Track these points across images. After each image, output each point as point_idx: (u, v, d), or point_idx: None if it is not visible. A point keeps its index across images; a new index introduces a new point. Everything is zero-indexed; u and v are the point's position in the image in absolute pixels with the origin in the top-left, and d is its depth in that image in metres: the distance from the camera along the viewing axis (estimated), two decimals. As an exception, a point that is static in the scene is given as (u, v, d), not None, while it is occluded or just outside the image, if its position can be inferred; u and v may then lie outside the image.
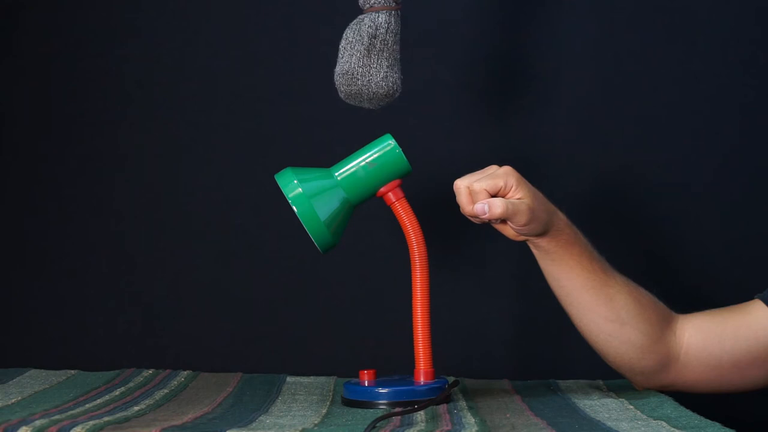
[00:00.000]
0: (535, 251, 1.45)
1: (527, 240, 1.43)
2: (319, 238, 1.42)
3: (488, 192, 1.38)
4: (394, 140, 1.45)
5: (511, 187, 1.38)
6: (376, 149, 1.45)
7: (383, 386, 1.43)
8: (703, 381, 1.46)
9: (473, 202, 1.38)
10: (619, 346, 1.44)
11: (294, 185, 1.42)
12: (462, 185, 1.39)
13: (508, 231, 1.42)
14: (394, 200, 1.45)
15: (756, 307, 1.43)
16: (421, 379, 1.44)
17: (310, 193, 1.42)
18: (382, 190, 1.45)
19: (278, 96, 1.79)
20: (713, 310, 1.47)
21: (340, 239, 1.45)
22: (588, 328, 1.45)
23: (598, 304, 1.43)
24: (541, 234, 1.41)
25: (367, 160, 1.44)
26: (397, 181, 1.45)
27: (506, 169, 1.39)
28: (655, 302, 1.46)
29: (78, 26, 1.82)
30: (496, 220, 1.39)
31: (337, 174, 1.44)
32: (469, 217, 1.40)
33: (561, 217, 1.42)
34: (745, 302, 1.45)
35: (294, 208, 1.41)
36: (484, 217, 1.37)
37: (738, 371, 1.44)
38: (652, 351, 1.44)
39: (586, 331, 1.46)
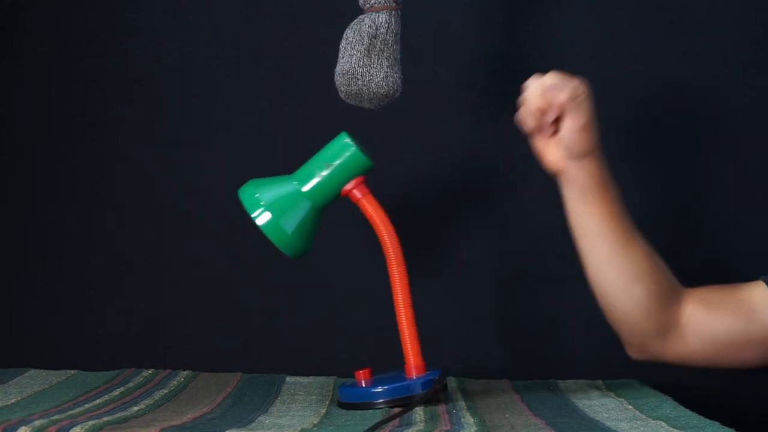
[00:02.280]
0: (567, 189, 1.46)
1: (565, 171, 1.44)
2: (291, 249, 1.43)
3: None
4: (350, 138, 1.45)
5: (581, 93, 1.42)
6: (334, 150, 1.45)
7: (377, 385, 1.43)
8: (695, 355, 1.47)
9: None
10: (627, 302, 1.46)
11: (261, 211, 1.43)
12: (535, 77, 1.43)
13: (551, 154, 1.44)
14: (359, 196, 1.45)
15: (759, 288, 1.45)
16: (413, 374, 1.44)
17: (278, 214, 1.43)
18: (346, 188, 1.45)
19: (278, 96, 1.79)
20: (717, 286, 1.49)
21: (312, 244, 1.45)
22: (602, 278, 1.47)
23: (617, 256, 1.45)
24: (586, 155, 1.43)
25: (328, 164, 1.44)
26: (359, 178, 1.45)
27: (581, 80, 1.43)
28: (668, 270, 1.48)
29: (78, 26, 1.82)
30: (548, 127, 1.43)
31: (301, 185, 1.45)
32: (528, 117, 1.42)
33: (602, 157, 1.45)
34: (748, 282, 1.47)
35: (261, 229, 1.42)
36: (549, 96, 1.40)
37: (731, 350, 1.46)
38: (656, 315, 1.46)
39: (598, 283, 1.47)
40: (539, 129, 1.44)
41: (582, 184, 1.44)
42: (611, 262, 1.45)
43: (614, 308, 1.47)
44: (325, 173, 1.45)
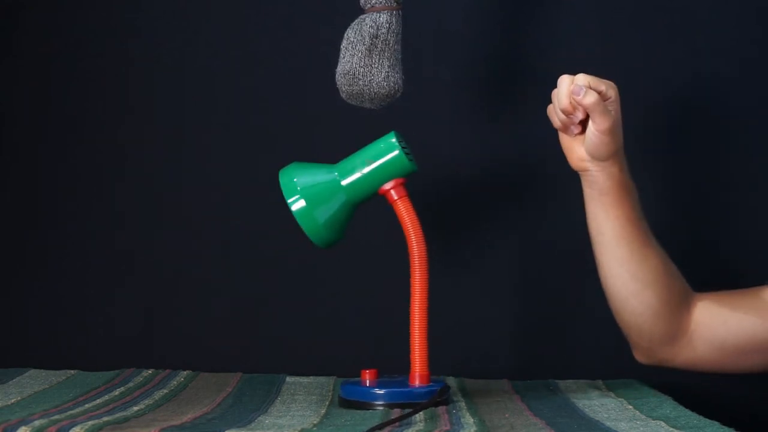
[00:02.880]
0: (587, 189, 1.46)
1: (587, 171, 1.44)
2: (320, 239, 1.43)
3: (590, 86, 1.40)
4: (397, 138, 1.44)
5: (609, 97, 1.41)
6: (378, 148, 1.45)
7: (380, 387, 1.42)
8: (703, 361, 1.48)
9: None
10: (637, 306, 1.46)
11: (296, 197, 1.42)
12: (567, 76, 1.42)
13: (576, 152, 1.45)
14: (396, 198, 1.45)
15: (766, 293, 1.45)
16: (416, 383, 1.43)
17: (312, 203, 1.42)
18: (385, 187, 1.45)
19: (278, 96, 1.79)
20: (725, 291, 1.49)
21: (343, 235, 1.45)
22: (613, 281, 1.47)
23: (631, 262, 1.45)
24: (607, 158, 1.43)
25: (370, 161, 1.44)
26: (399, 180, 1.45)
27: (612, 83, 1.43)
28: (680, 276, 1.48)
29: (78, 26, 1.82)
30: (575, 126, 1.43)
31: (341, 178, 1.44)
32: (556, 113, 1.43)
33: (625, 161, 1.45)
34: (756, 287, 1.47)
35: (294, 216, 1.42)
36: (577, 98, 1.39)
37: (739, 355, 1.46)
38: (666, 320, 1.46)
39: (609, 285, 1.47)
40: (565, 128, 1.45)
41: (602, 186, 1.44)
42: (624, 265, 1.45)
43: (624, 312, 1.47)
44: (366, 170, 1.44)
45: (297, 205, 1.43)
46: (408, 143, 1.46)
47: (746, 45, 1.75)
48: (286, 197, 1.43)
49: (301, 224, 1.43)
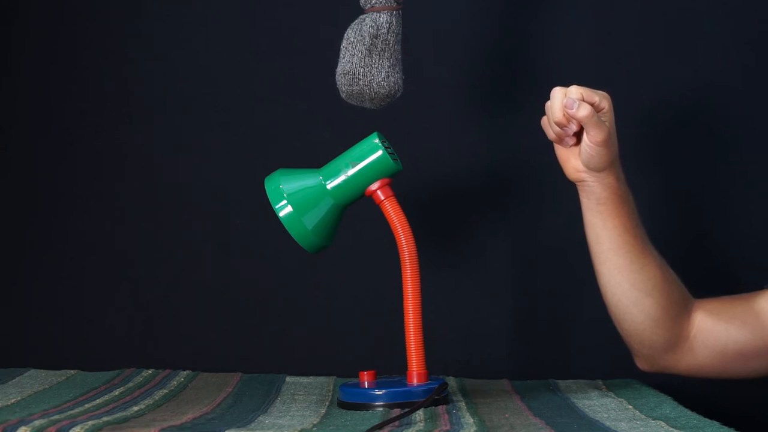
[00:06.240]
0: (584, 199, 1.46)
1: (583, 182, 1.44)
2: (309, 244, 1.43)
3: (583, 99, 1.39)
4: (380, 139, 1.44)
5: (603, 108, 1.40)
6: (362, 150, 1.44)
7: (379, 388, 1.42)
8: (705, 367, 1.48)
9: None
10: (637, 315, 1.46)
11: (283, 204, 1.42)
12: (560, 88, 1.41)
13: (572, 163, 1.44)
14: (382, 198, 1.45)
15: (766, 297, 1.45)
16: (414, 381, 1.43)
17: (299, 208, 1.42)
18: (370, 188, 1.45)
19: (278, 96, 1.79)
20: (725, 297, 1.49)
21: (332, 240, 1.45)
22: (613, 290, 1.47)
23: (630, 270, 1.45)
24: (603, 169, 1.42)
25: (354, 163, 1.44)
26: (385, 180, 1.45)
27: (606, 93, 1.41)
28: (679, 282, 1.48)
29: (78, 26, 1.82)
30: (569, 138, 1.42)
31: (326, 181, 1.44)
32: (551, 126, 1.42)
33: (621, 170, 1.45)
34: (756, 291, 1.47)
35: (282, 222, 1.42)
36: (570, 112, 1.38)
37: (741, 360, 1.46)
38: (666, 328, 1.46)
39: (609, 294, 1.47)
40: (560, 140, 1.44)
41: (599, 196, 1.44)
42: (623, 274, 1.45)
43: (625, 321, 1.47)
44: (351, 172, 1.44)
45: (284, 211, 1.43)
46: (391, 143, 1.46)
47: (746, 45, 1.75)
48: (272, 204, 1.43)
49: (290, 230, 1.43)
